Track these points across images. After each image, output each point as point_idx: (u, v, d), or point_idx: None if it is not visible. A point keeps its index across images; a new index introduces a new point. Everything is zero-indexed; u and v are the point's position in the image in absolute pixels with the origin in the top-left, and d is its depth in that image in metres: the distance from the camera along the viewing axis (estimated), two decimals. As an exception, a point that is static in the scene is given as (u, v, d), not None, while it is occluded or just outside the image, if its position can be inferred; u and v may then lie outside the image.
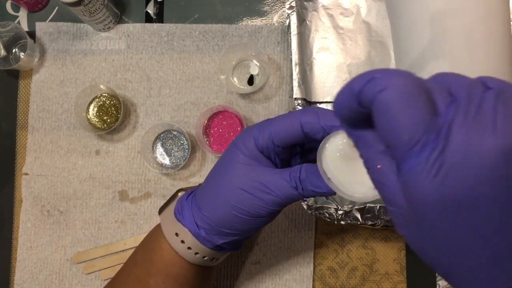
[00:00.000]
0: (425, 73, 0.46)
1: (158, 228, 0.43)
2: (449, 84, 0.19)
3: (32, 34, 0.60)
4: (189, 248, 0.39)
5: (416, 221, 0.19)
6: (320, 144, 0.32)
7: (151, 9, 0.60)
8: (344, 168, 0.31)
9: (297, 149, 0.40)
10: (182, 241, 0.39)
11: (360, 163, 0.31)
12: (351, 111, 0.21)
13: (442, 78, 0.20)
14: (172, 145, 0.57)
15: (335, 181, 0.31)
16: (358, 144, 0.23)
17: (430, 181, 0.18)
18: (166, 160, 0.57)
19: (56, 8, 0.61)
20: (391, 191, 0.20)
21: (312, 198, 0.52)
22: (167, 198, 0.46)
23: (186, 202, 0.41)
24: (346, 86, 0.20)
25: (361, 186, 0.31)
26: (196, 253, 0.40)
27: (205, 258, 0.40)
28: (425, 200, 0.18)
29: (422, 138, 0.18)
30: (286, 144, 0.36)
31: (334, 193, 0.33)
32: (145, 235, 0.46)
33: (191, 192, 0.42)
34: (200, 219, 0.38)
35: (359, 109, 0.20)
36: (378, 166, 0.21)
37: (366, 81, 0.19)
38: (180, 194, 0.44)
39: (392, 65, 0.56)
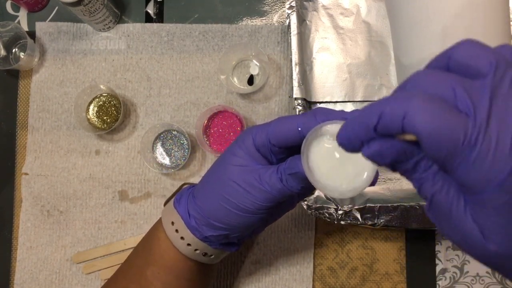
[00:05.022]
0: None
1: (160, 219, 0.44)
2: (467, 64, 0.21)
3: (32, 34, 0.60)
4: (182, 238, 0.40)
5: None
6: (310, 131, 0.33)
7: (151, 9, 0.60)
8: (327, 160, 0.32)
9: (296, 151, 0.40)
10: (177, 230, 0.40)
11: (342, 159, 0.31)
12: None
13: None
14: (172, 145, 0.57)
15: (313, 169, 0.32)
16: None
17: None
18: (166, 160, 0.57)
19: (56, 8, 0.61)
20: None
21: (312, 198, 0.52)
22: (167, 198, 0.47)
23: (186, 192, 0.42)
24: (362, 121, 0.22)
25: (338, 181, 0.31)
26: (188, 244, 0.40)
27: (197, 251, 0.41)
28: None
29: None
30: (282, 144, 0.36)
31: (310, 186, 0.33)
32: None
33: (194, 185, 0.43)
34: (193, 208, 0.40)
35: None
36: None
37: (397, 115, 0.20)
38: (185, 187, 0.45)
39: (392, 65, 0.56)
